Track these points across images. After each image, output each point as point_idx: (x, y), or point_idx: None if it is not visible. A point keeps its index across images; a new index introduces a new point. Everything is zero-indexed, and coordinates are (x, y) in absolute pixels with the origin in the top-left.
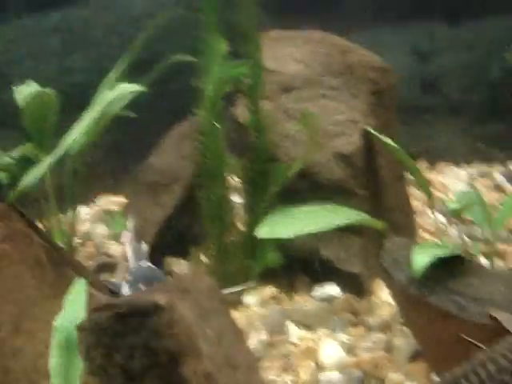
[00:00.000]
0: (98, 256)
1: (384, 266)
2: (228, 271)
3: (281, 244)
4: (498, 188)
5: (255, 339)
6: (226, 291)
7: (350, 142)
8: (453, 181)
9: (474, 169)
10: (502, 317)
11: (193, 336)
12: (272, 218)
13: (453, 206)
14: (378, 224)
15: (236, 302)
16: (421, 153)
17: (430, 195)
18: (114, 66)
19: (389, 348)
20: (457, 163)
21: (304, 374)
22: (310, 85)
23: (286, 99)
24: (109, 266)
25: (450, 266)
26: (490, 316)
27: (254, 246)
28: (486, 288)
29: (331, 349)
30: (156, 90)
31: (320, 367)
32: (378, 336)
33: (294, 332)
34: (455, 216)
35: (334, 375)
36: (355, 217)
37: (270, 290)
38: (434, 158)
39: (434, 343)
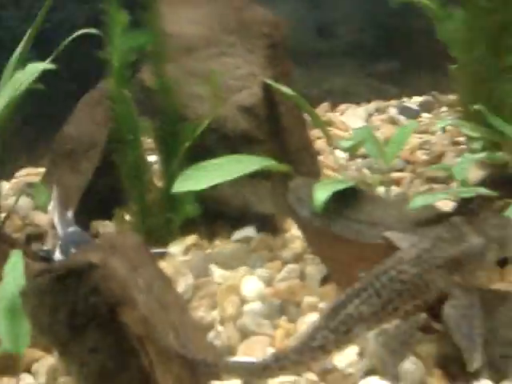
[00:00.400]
0: (26, 227)
1: (289, 204)
2: (151, 226)
3: (200, 195)
4: (393, 121)
5: (183, 284)
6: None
7: (251, 94)
8: (352, 119)
9: (373, 106)
10: (392, 236)
11: (127, 288)
12: (185, 173)
13: (346, 144)
14: (283, 167)
15: (163, 255)
16: (324, 95)
17: (327, 135)
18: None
19: (302, 276)
20: (357, 102)
21: (230, 308)
22: (210, 44)
23: (188, 60)
24: (38, 236)
25: (348, 198)
26: (383, 237)
27: (172, 200)
28: (379, 213)
29: (252, 283)
30: (62, 59)
31: (243, 301)
32: (292, 267)
33: (218, 273)
34: (351, 152)
35: (256, 305)
36: (261, 163)
37: (192, 239)
38: (336, 99)
39: (339, 266)
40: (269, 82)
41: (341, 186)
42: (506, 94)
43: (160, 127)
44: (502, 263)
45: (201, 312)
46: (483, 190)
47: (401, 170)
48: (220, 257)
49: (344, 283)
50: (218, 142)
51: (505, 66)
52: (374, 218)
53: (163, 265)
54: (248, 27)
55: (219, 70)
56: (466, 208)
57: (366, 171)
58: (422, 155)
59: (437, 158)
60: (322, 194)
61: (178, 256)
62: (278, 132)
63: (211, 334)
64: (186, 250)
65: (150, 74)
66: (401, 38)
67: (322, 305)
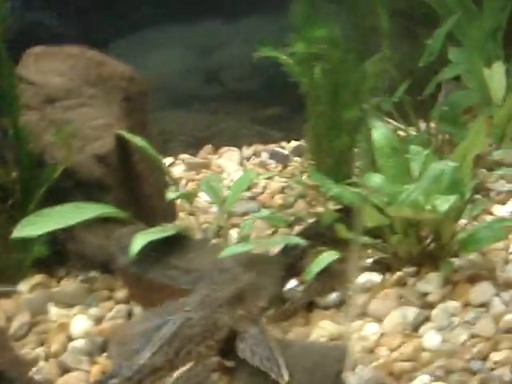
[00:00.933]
0: None
1: (111, 252)
2: (1, 265)
3: (55, 235)
4: (264, 165)
5: (19, 321)
6: None
7: (105, 144)
8: (229, 162)
9: (251, 150)
10: None
11: None
12: (26, 219)
13: (171, 195)
14: (122, 214)
15: (10, 293)
16: (208, 138)
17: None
18: None
19: (129, 316)
20: (239, 145)
21: (55, 345)
22: (71, 95)
23: (50, 109)
24: None
25: (173, 245)
26: None
27: (23, 241)
28: (197, 259)
29: (81, 322)
30: None
31: (70, 338)
32: (120, 307)
33: (54, 311)
34: (187, 200)
35: (80, 342)
36: (100, 210)
37: (39, 278)
38: (219, 143)
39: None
40: (122, 132)
41: (160, 235)
42: (344, 146)
43: (15, 174)
44: (309, 307)
45: (28, 349)
46: (294, 240)
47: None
48: (60, 296)
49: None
50: (73, 187)
51: (342, 120)
52: (192, 265)
53: (7, 303)
54: (107, 81)
55: (77, 120)
56: (288, 253)
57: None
58: (279, 199)
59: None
60: (139, 242)
61: (24, 293)
62: (130, 179)
63: (34, 369)
64: (32, 289)
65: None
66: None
67: None
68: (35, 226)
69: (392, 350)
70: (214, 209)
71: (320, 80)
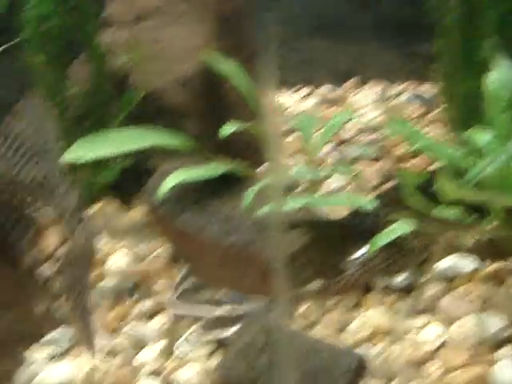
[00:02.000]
0: None
1: (145, 187)
2: None
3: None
4: (404, 106)
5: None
6: None
7: (191, 68)
8: (365, 99)
9: (397, 88)
10: None
11: None
12: (83, 140)
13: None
14: (192, 145)
15: None
16: (354, 71)
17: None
18: None
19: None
20: (386, 82)
21: None
22: (160, 13)
23: (138, 28)
24: None
25: (220, 187)
26: None
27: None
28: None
29: (121, 258)
30: None
31: (103, 275)
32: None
33: (103, 242)
34: None
35: (109, 282)
36: (166, 139)
37: (105, 203)
38: (365, 77)
39: (184, 256)
40: (210, 55)
41: (204, 174)
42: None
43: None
44: (368, 287)
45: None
46: (366, 202)
47: None
48: (117, 226)
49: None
50: (154, 113)
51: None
52: (232, 213)
53: None
54: None
55: (164, 40)
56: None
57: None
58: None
59: None
60: (170, 181)
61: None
62: (218, 109)
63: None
64: (93, 215)
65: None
66: None
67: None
68: (89, 148)
69: (447, 371)
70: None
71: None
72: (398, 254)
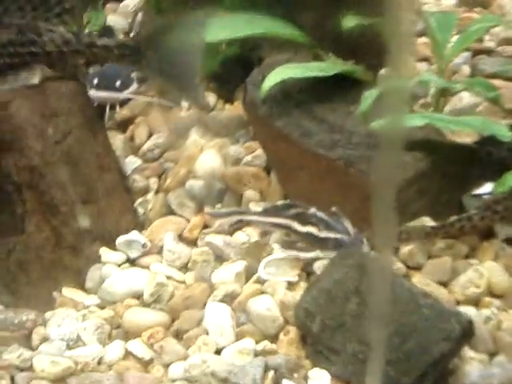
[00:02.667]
0: None
1: (246, 82)
2: None
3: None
4: None
5: (153, 141)
6: None
7: None
8: None
9: None
10: None
11: (20, 132)
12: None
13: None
14: (302, 39)
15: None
16: None
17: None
18: None
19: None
20: None
21: (171, 179)
22: None
23: None
24: None
25: (332, 89)
26: None
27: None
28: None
29: (211, 159)
30: None
31: (190, 175)
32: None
33: (194, 138)
34: None
35: (196, 184)
36: (279, 29)
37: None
38: None
39: (279, 164)
40: None
41: (313, 73)
42: None
43: None
44: (489, 233)
45: (143, 176)
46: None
47: None
48: (213, 121)
49: (283, 182)
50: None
51: None
52: (343, 121)
53: (166, 116)
54: None
55: None
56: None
57: None
58: None
59: None
60: (274, 77)
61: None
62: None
63: (140, 200)
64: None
65: None
66: None
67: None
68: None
69: None
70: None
71: None
72: None
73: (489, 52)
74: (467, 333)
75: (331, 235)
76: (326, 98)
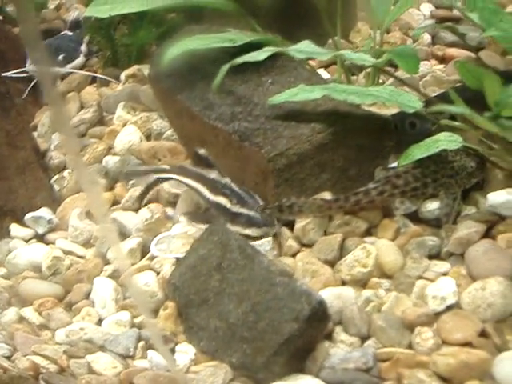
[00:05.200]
0: None
1: (155, 55)
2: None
3: None
4: None
5: (80, 117)
6: None
7: None
8: None
9: None
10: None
11: None
12: None
13: None
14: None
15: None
16: None
17: None
18: None
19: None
20: None
21: (88, 155)
22: None
23: None
24: None
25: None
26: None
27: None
28: (270, 89)
29: (130, 134)
30: None
31: (108, 151)
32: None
33: (120, 113)
34: None
35: (112, 160)
36: None
37: (137, 69)
38: None
39: (186, 138)
40: None
41: (212, 44)
42: None
43: None
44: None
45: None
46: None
47: None
48: (144, 95)
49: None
50: None
51: None
52: (244, 97)
53: (102, 91)
54: None
55: None
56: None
57: None
58: None
59: None
60: (176, 49)
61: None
62: None
63: (57, 176)
64: (125, 80)
65: None
66: None
67: None
68: (111, 5)
69: (441, 346)
70: None
71: None
72: (437, 174)
73: (457, 20)
74: (318, 314)
75: (243, 211)
76: (237, 69)
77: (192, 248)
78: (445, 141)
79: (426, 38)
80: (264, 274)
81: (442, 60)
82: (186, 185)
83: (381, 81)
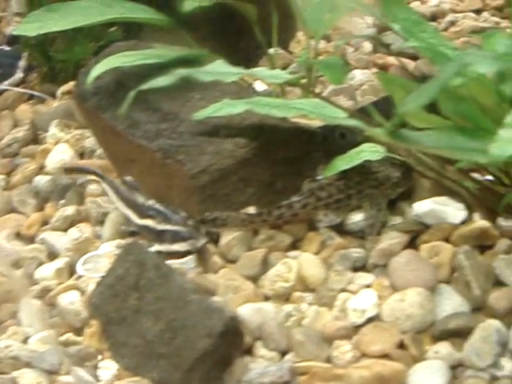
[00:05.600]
0: None
1: (80, 73)
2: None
3: None
4: None
5: (13, 135)
6: None
7: None
8: None
9: None
10: None
11: None
12: (34, 14)
13: None
14: (165, 22)
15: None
16: None
17: None
18: None
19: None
20: None
21: (19, 176)
22: None
23: None
24: None
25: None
26: None
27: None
28: (193, 104)
29: (63, 152)
30: None
31: (40, 170)
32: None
33: (53, 131)
34: None
35: (43, 180)
36: (131, 12)
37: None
38: None
39: (114, 157)
40: None
41: (137, 61)
42: None
43: None
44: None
45: None
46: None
47: None
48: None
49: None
50: None
51: None
52: (171, 114)
53: (37, 108)
54: None
55: None
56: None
57: None
58: None
59: None
60: (101, 67)
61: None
62: None
63: None
64: (61, 97)
65: None
66: None
67: None
68: (40, 23)
69: (359, 358)
70: None
71: None
72: (361, 185)
73: None
74: (231, 329)
75: (168, 227)
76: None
77: (111, 267)
78: (368, 151)
79: (367, 46)
80: (178, 291)
81: (383, 68)
82: (112, 201)
83: (318, 90)
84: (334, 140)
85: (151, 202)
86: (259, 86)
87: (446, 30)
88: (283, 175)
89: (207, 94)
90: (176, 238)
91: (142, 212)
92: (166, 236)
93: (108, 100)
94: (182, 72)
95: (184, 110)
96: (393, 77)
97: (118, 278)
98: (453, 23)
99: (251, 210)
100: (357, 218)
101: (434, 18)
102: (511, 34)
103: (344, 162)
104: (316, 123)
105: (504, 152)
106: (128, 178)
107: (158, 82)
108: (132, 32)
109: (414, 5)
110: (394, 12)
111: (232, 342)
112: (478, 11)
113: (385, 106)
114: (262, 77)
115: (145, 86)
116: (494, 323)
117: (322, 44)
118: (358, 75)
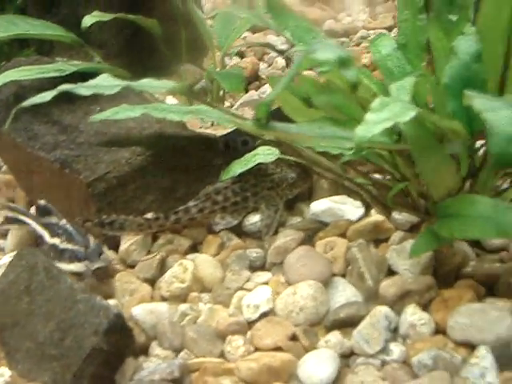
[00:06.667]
0: None
1: None
2: None
3: None
4: None
5: None
6: None
7: None
8: None
9: None
10: None
11: None
12: None
13: None
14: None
15: None
16: None
17: None
18: None
19: None
20: None
21: None
22: None
23: None
24: None
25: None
26: None
27: None
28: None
29: None
30: None
31: None
32: None
33: None
34: None
35: None
36: (37, 29)
37: None
38: None
39: (16, 170)
40: None
41: (38, 75)
42: None
43: None
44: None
45: None
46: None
47: None
48: None
49: (24, 188)
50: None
51: None
52: (71, 125)
53: None
54: None
55: None
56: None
57: None
58: None
59: None
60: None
61: None
62: None
63: None
64: None
65: None
66: None
67: None
68: None
69: (252, 352)
70: None
71: None
72: (257, 187)
73: None
74: (116, 326)
75: (68, 247)
76: (66, 99)
77: (3, 273)
78: (262, 154)
79: (280, 61)
80: (67, 292)
81: None
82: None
83: (228, 104)
84: (237, 147)
85: (63, 222)
86: (171, 100)
87: (357, 45)
88: (184, 182)
89: (109, 106)
90: (73, 257)
91: (53, 231)
92: (66, 255)
93: (7, 113)
94: (63, 87)
95: (84, 122)
96: (279, 78)
97: (9, 284)
98: (364, 38)
99: (149, 215)
100: (254, 219)
101: (346, 34)
102: (393, 38)
103: (240, 165)
104: (224, 132)
105: (368, 133)
106: (42, 202)
107: (38, 98)
108: (44, 51)
109: (328, 23)
110: (284, 20)
111: (120, 340)
112: (389, 28)
113: (281, 115)
114: (148, 87)
115: (25, 103)
116: (383, 309)
117: (236, 60)
118: (269, 89)
